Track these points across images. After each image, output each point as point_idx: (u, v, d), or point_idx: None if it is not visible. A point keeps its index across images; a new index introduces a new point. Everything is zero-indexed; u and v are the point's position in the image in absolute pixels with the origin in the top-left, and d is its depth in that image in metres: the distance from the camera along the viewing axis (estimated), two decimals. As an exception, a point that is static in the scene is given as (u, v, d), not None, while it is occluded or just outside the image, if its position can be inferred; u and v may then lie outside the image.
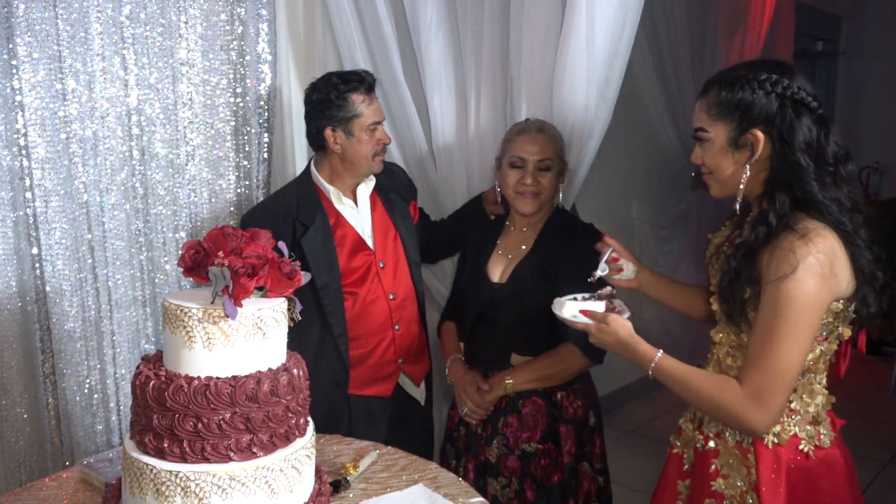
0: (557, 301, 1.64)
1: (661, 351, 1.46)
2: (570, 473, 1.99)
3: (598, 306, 1.60)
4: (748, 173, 1.41)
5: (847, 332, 1.44)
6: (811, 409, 1.45)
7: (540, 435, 1.98)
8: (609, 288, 1.69)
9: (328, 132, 2.03)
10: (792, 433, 1.44)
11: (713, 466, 1.52)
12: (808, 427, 1.45)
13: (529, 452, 1.98)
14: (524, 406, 2.00)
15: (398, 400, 2.18)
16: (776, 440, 1.43)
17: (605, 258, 1.72)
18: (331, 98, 2.00)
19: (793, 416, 1.45)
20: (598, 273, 1.70)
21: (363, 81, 2.01)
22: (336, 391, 2.07)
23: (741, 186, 1.42)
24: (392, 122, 2.50)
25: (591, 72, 2.06)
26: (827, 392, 1.48)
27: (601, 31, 2.02)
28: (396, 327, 2.11)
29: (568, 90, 2.10)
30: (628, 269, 1.74)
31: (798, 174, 1.36)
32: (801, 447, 1.44)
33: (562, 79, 2.10)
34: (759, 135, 1.38)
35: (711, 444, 1.53)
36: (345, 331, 2.04)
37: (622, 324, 1.51)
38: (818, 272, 1.31)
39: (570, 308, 1.60)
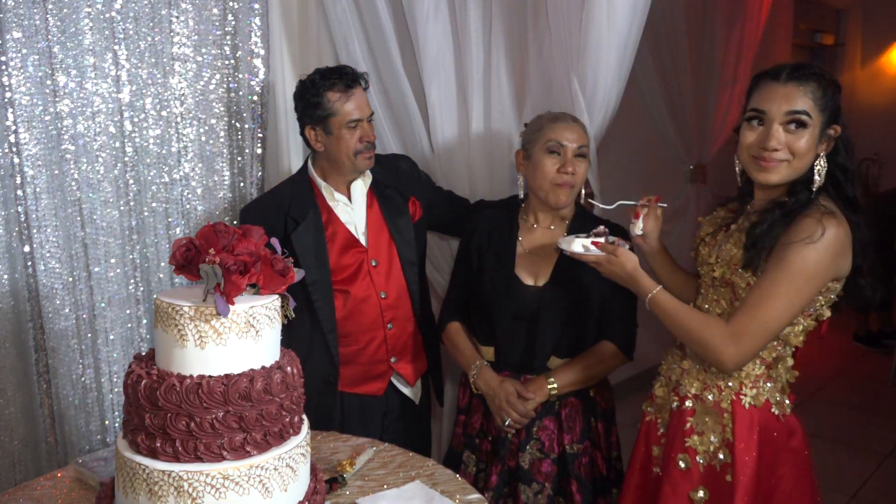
0: (564, 239, 1.72)
1: (661, 286, 1.61)
2: (609, 466, 1.98)
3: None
4: (825, 162, 1.51)
5: (827, 313, 1.55)
6: (782, 380, 1.61)
7: (579, 434, 1.95)
8: (602, 227, 1.75)
9: (308, 131, 2.02)
10: (766, 398, 1.58)
11: (688, 424, 1.63)
12: (777, 395, 1.60)
13: (572, 454, 1.93)
14: (563, 408, 1.94)
15: (392, 399, 2.16)
16: (753, 402, 1.58)
17: (630, 202, 1.77)
18: (307, 97, 1.98)
19: (768, 384, 1.59)
20: (597, 202, 1.78)
21: (342, 78, 1.98)
22: (326, 388, 2.06)
23: (818, 172, 1.52)
24: (392, 115, 2.47)
25: (610, 57, 2.03)
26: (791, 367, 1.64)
27: (621, 13, 1.99)
28: (389, 326, 2.09)
29: (592, 77, 2.07)
30: (637, 226, 1.76)
31: (850, 161, 1.53)
32: (772, 410, 1.59)
33: (586, 65, 2.06)
34: (840, 129, 1.52)
35: (688, 403, 1.65)
36: (334, 327, 2.03)
37: (630, 257, 1.64)
38: (835, 249, 1.44)
39: (581, 242, 1.68)
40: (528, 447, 1.94)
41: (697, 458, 1.61)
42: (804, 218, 1.46)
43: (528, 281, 1.95)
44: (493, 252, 2.00)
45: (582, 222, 1.98)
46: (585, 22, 2.03)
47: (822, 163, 1.50)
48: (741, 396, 1.58)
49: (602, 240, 1.68)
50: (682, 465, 1.62)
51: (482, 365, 1.97)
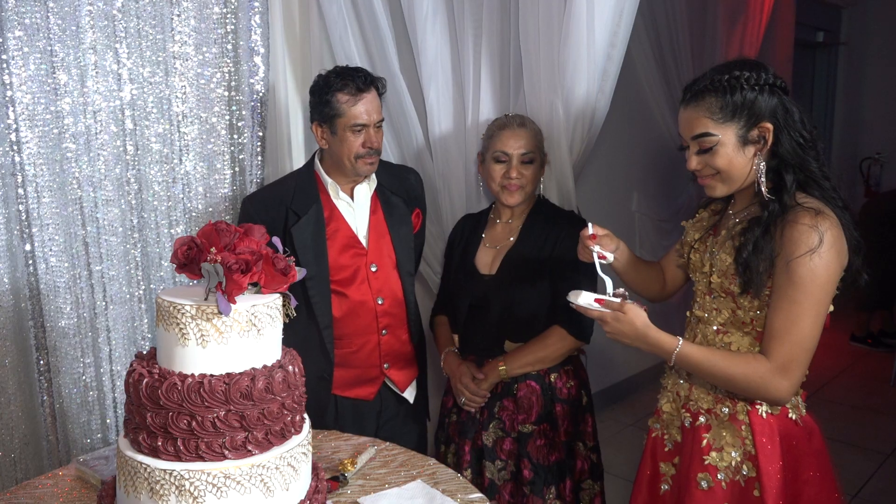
0: (573, 292, 1.61)
1: (682, 339, 1.51)
2: (567, 452, 2.03)
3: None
4: (763, 164, 1.49)
5: (831, 307, 1.50)
6: None
7: (535, 416, 2.03)
8: (622, 289, 1.63)
9: (315, 127, 2.02)
10: None
11: (704, 441, 1.58)
12: (792, 397, 1.54)
13: (526, 433, 2.03)
14: (519, 390, 2.04)
15: (387, 398, 2.16)
16: (770, 410, 1.53)
17: (598, 268, 1.66)
18: (319, 93, 1.98)
19: None
20: (609, 285, 1.63)
21: (354, 80, 1.95)
22: (321, 385, 2.06)
23: (758, 177, 1.50)
24: (389, 115, 2.47)
25: (591, 61, 2.07)
26: None
27: (600, 21, 2.03)
28: (383, 332, 2.08)
29: (571, 80, 2.10)
30: (607, 258, 1.71)
31: (803, 152, 1.47)
32: (789, 415, 1.54)
33: (564, 69, 2.10)
34: (769, 126, 1.47)
35: (702, 419, 1.60)
36: (330, 323, 2.02)
37: (638, 313, 1.51)
38: (837, 247, 1.41)
39: (586, 297, 1.57)
40: (490, 426, 2.06)
41: (719, 475, 1.55)
42: (795, 226, 1.41)
43: (485, 271, 2.10)
44: (461, 247, 2.18)
45: (538, 218, 2.08)
46: (564, 36, 2.07)
47: (760, 166, 1.48)
48: (757, 406, 1.53)
49: (605, 296, 1.55)
50: (703, 484, 1.55)
51: (449, 351, 2.17)
